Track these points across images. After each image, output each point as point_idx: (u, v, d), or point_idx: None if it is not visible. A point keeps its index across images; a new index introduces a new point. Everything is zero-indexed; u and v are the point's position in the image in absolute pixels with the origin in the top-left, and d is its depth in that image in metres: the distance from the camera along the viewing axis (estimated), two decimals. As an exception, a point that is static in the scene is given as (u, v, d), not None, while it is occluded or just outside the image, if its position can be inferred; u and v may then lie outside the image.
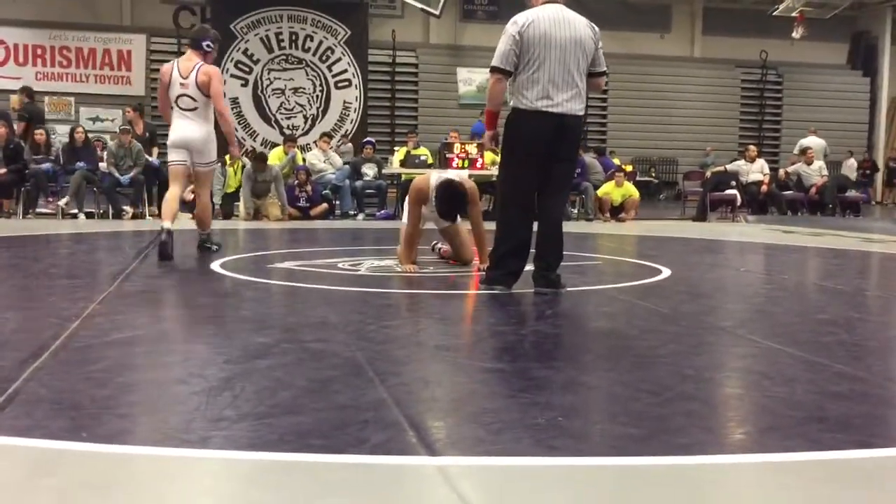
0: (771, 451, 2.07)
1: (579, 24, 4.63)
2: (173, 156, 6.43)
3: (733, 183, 13.79)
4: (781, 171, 15.40)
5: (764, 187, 14.10)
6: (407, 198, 5.95)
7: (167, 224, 6.16)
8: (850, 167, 17.02)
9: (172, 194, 6.42)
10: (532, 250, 4.74)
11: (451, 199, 5.67)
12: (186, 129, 6.32)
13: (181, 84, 6.26)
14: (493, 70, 4.66)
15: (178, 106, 6.32)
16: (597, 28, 4.72)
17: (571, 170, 4.98)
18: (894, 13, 20.98)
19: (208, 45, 6.41)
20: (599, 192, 12.73)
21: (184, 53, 6.72)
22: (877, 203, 19.71)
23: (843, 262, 7.44)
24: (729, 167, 14.42)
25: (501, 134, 4.81)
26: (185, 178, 6.54)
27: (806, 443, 2.12)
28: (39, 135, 11.82)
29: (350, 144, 15.83)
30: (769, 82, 21.33)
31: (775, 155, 20.49)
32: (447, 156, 11.62)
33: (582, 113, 4.72)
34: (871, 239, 9.50)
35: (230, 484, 1.85)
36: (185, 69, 6.27)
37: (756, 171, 14.19)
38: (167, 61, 6.82)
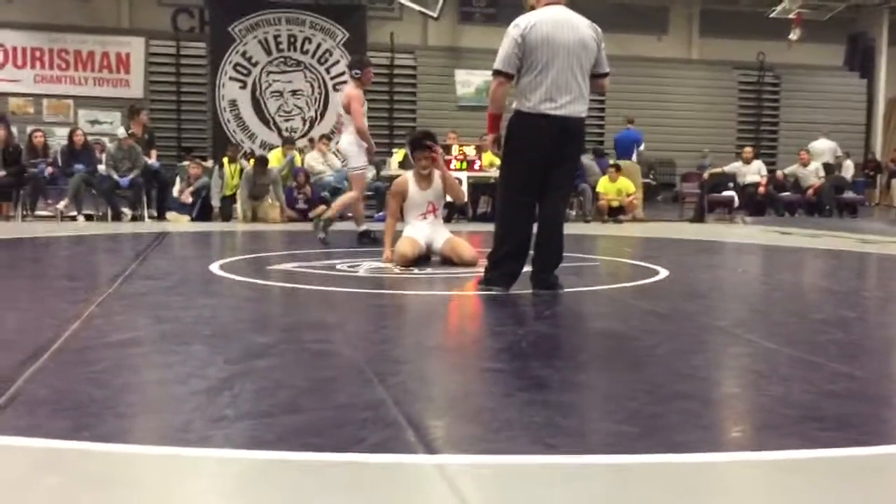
0: (767, 450, 2.09)
1: (581, 26, 4.60)
2: None
3: (731, 184, 13.82)
4: (779, 173, 15.42)
5: (762, 189, 14.12)
6: (388, 194, 6.65)
7: (328, 213, 7.91)
8: (848, 168, 17.03)
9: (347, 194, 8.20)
10: (531, 252, 4.75)
11: (418, 135, 6.53)
12: (341, 140, 7.97)
13: (343, 105, 7.80)
14: (496, 73, 4.63)
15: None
16: (599, 29, 4.70)
17: (572, 171, 4.93)
18: (891, 15, 20.99)
19: (356, 73, 7.84)
20: (598, 187, 12.86)
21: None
22: (877, 204, 19.70)
23: (839, 262, 7.46)
24: (726, 169, 14.45)
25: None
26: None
27: (802, 441, 2.14)
28: (38, 137, 11.83)
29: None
30: (766, 84, 21.35)
31: (773, 156, 20.50)
32: (445, 157, 11.63)
33: (585, 115, 4.67)
34: (868, 240, 9.52)
35: (230, 482, 1.86)
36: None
37: (753, 172, 14.22)
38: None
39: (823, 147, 16.20)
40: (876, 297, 5.41)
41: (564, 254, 4.82)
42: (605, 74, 4.78)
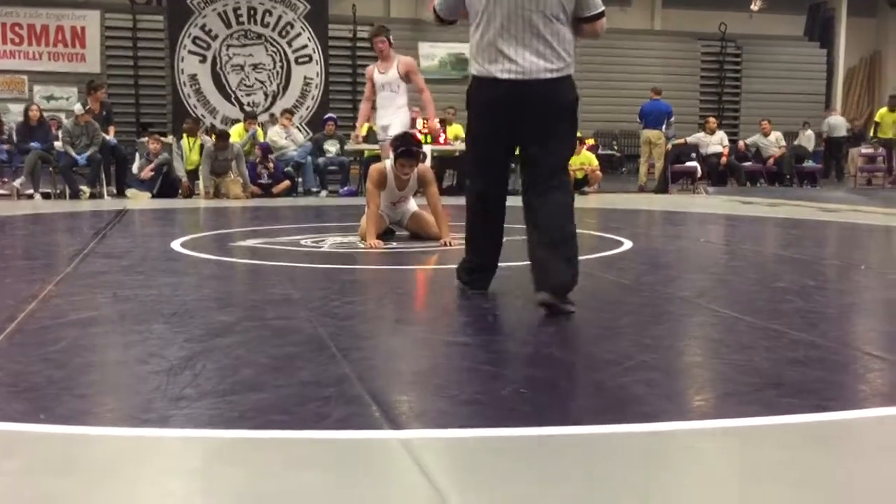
0: (729, 417, 2.11)
1: None
2: None
3: (693, 155, 13.92)
4: (740, 143, 15.56)
5: (724, 159, 14.25)
6: (367, 183, 6.02)
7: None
8: (808, 138, 17.25)
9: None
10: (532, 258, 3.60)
11: (405, 137, 5.88)
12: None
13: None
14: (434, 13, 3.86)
15: None
16: None
17: (560, 150, 3.62)
18: (851, -15, 21.18)
19: None
20: None
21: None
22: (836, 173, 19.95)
23: (800, 231, 7.55)
24: (689, 139, 14.55)
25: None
26: None
27: (763, 408, 2.16)
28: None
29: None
30: (728, 54, 21.44)
31: (734, 127, 20.66)
32: (410, 130, 11.55)
33: (559, 74, 3.50)
34: (827, 208, 9.65)
35: (191, 462, 1.84)
36: None
37: (716, 142, 14.33)
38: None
39: (839, 121, 17.03)
40: (836, 265, 5.49)
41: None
42: (596, 17, 3.60)
